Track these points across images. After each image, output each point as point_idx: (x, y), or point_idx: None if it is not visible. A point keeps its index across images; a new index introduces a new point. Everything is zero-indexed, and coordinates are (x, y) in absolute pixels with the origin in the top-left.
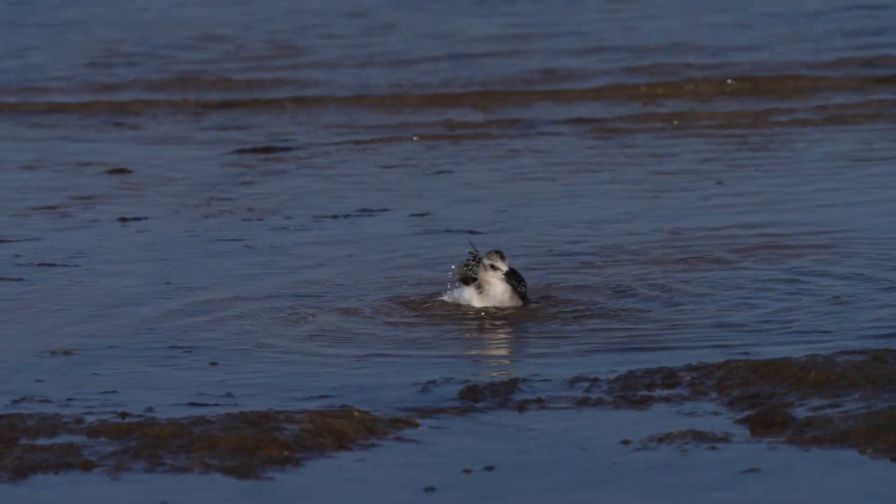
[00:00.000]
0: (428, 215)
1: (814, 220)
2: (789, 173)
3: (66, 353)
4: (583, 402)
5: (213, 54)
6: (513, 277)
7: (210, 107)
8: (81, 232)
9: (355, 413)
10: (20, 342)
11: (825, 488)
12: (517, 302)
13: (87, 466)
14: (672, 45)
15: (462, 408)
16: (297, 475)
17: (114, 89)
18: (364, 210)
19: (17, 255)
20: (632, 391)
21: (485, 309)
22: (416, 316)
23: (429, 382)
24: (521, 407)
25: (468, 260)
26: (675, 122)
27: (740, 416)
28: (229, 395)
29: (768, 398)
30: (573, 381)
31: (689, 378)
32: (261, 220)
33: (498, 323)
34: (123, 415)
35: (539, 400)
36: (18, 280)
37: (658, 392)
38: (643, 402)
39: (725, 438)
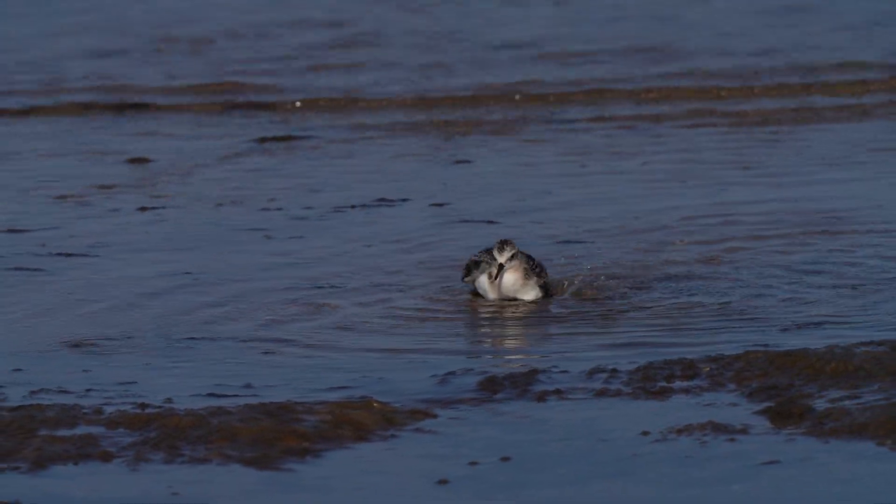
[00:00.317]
0: (448, 205)
1: (832, 207)
2: (806, 160)
3: (86, 343)
4: (602, 394)
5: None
6: (530, 269)
7: (234, 107)
8: (101, 221)
9: (374, 404)
10: (39, 333)
11: (844, 480)
12: (535, 294)
13: (107, 457)
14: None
15: (481, 399)
16: (316, 466)
17: (127, 80)
18: (383, 200)
19: (41, 245)
20: (651, 382)
21: (501, 300)
22: (436, 307)
23: (448, 374)
24: (540, 398)
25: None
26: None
27: (759, 407)
28: (249, 385)
29: (787, 389)
30: (592, 373)
31: (708, 369)
32: (280, 209)
33: (517, 314)
34: (143, 406)
35: (558, 391)
36: (38, 270)
37: (677, 383)
38: (662, 394)
39: (744, 430)
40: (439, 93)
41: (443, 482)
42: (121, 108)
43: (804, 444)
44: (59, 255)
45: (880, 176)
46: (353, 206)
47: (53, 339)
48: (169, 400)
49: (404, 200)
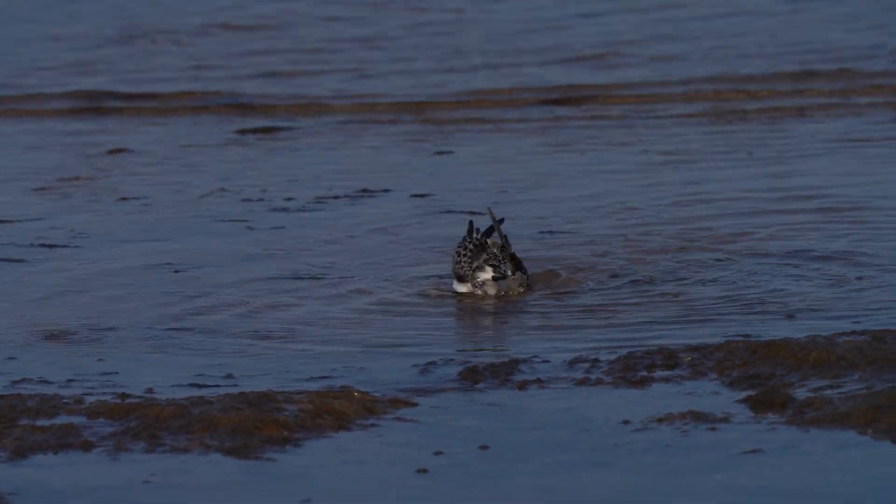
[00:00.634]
0: (430, 196)
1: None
2: (789, 155)
3: (67, 334)
4: (582, 383)
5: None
6: (508, 261)
7: (216, 99)
8: (82, 212)
9: (355, 394)
10: (20, 323)
11: (826, 469)
12: (519, 281)
13: (87, 447)
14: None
15: (462, 388)
16: (296, 455)
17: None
18: (365, 191)
19: (25, 235)
20: (632, 372)
21: (471, 293)
22: (417, 297)
23: (429, 363)
24: (521, 387)
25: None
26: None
27: (740, 396)
28: (230, 376)
29: (768, 379)
30: (573, 362)
31: (689, 359)
32: (262, 200)
33: (499, 306)
34: (123, 395)
35: (539, 381)
36: (19, 261)
37: (658, 373)
38: (643, 383)
39: (726, 419)
40: (423, 97)
41: (422, 471)
42: (100, 99)
43: (786, 433)
44: (41, 246)
45: (869, 168)
46: (335, 197)
47: (35, 330)
48: (150, 390)
49: (386, 191)
